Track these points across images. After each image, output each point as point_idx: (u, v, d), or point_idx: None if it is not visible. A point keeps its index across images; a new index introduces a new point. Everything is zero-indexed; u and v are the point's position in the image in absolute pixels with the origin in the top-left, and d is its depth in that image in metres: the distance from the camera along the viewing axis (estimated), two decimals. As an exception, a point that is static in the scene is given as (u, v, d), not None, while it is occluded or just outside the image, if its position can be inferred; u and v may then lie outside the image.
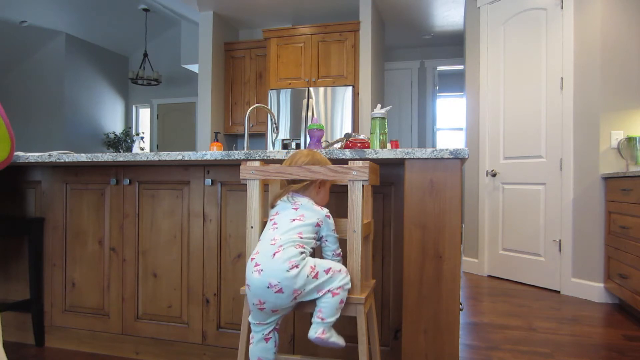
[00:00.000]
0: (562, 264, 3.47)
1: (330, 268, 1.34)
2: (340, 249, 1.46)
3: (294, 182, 1.46)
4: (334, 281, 1.33)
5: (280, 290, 1.28)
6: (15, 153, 2.06)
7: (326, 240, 1.43)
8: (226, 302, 2.04)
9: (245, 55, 5.63)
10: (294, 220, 1.38)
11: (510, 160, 3.89)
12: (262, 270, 1.30)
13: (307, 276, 1.30)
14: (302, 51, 5.08)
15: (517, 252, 3.82)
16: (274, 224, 1.40)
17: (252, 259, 1.35)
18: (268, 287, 1.28)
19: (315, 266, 1.32)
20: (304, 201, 1.44)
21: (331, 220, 1.43)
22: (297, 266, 1.29)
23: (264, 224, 1.52)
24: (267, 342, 1.37)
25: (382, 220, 1.85)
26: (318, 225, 1.40)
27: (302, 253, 1.32)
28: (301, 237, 1.35)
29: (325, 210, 1.43)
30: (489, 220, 4.04)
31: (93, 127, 7.61)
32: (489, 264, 4.04)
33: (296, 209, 1.42)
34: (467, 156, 1.55)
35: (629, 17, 3.28)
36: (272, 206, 1.49)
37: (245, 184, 1.51)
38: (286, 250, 1.31)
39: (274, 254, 1.30)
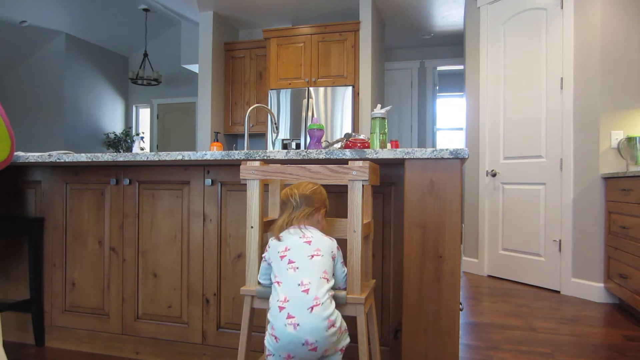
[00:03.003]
0: (562, 264, 3.47)
1: (343, 326, 1.34)
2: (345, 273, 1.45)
3: (298, 206, 1.43)
4: (344, 340, 1.35)
5: (314, 349, 1.24)
6: (15, 153, 2.06)
7: (334, 273, 1.40)
8: (226, 302, 2.04)
9: (245, 55, 5.63)
10: (312, 256, 1.34)
11: (510, 160, 3.89)
12: (298, 324, 1.23)
13: (337, 334, 1.29)
14: (302, 51, 5.08)
15: (517, 252, 3.81)
16: (291, 262, 1.33)
17: (281, 307, 1.27)
18: (303, 345, 1.23)
19: (340, 323, 1.31)
20: (314, 233, 1.40)
21: (341, 252, 1.43)
22: (334, 325, 1.27)
23: (264, 224, 1.52)
24: None
25: (382, 220, 1.85)
26: (333, 258, 1.39)
27: (335, 305, 1.31)
28: (326, 279, 1.32)
29: (334, 240, 1.43)
30: (489, 220, 4.04)
31: (93, 127, 7.61)
32: (489, 264, 4.04)
33: (309, 242, 1.37)
34: (467, 156, 1.55)
35: (629, 17, 3.28)
36: (277, 238, 1.42)
37: (245, 184, 1.51)
38: (325, 305, 1.26)
39: (312, 308, 1.25)
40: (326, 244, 1.38)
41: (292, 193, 1.45)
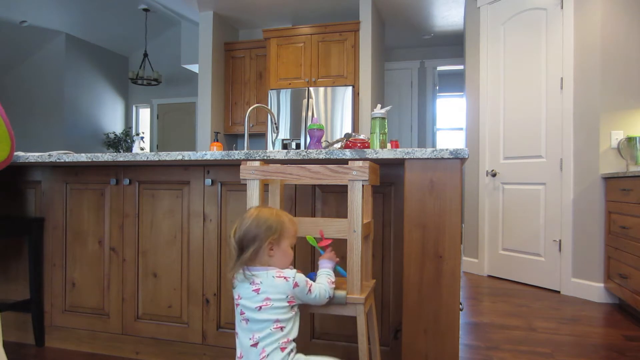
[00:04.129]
0: (562, 264, 3.47)
1: None
2: (330, 278, 1.38)
3: (242, 249, 1.30)
4: None
5: None
6: (15, 153, 2.06)
7: (309, 292, 1.32)
8: (226, 302, 2.04)
9: (245, 55, 5.62)
10: (260, 308, 1.26)
11: (510, 160, 3.89)
12: None
13: None
14: (302, 51, 5.08)
15: (517, 252, 3.81)
16: (242, 313, 1.29)
17: None
18: None
19: None
20: (262, 276, 1.28)
21: (301, 285, 1.30)
22: None
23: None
24: None
25: (382, 220, 1.85)
26: (291, 301, 1.29)
27: (290, 352, 1.26)
28: (280, 327, 1.26)
29: (290, 279, 1.28)
30: (489, 220, 4.04)
31: (93, 127, 7.61)
32: (489, 264, 4.04)
33: (257, 290, 1.27)
34: (467, 156, 1.55)
35: (629, 17, 3.28)
36: (232, 285, 1.35)
37: (245, 184, 1.51)
38: (271, 356, 1.23)
39: None
40: (278, 288, 1.27)
41: (230, 237, 1.32)
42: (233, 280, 1.33)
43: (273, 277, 1.28)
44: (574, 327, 2.67)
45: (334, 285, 1.39)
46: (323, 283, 1.36)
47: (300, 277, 1.31)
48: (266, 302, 1.26)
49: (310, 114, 4.85)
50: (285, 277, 1.28)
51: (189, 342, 2.08)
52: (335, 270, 1.46)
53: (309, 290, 1.32)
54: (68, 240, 2.29)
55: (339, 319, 1.89)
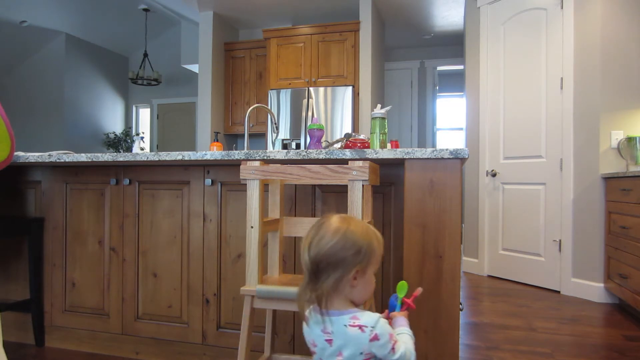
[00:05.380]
0: (562, 264, 3.47)
1: None
2: (413, 339, 1.12)
3: (316, 273, 1.03)
4: None
5: None
6: (15, 153, 2.06)
7: (392, 351, 1.03)
8: (226, 302, 2.04)
9: (245, 55, 5.62)
10: None
11: (510, 160, 3.89)
12: None
13: None
14: (302, 51, 5.08)
15: (517, 252, 3.81)
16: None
17: None
18: None
19: None
20: (335, 323, 1.03)
21: (382, 339, 1.01)
22: None
23: (264, 224, 1.52)
24: None
25: (382, 220, 1.85)
26: (369, 357, 1.02)
27: None
28: None
29: (367, 329, 1.00)
30: (489, 220, 4.04)
31: (93, 127, 7.61)
32: (489, 264, 4.04)
33: (329, 341, 1.03)
34: (467, 156, 1.55)
35: (629, 17, 3.28)
36: (305, 319, 1.10)
37: (245, 184, 1.51)
38: None
39: None
40: (351, 342, 1.01)
41: (303, 251, 1.05)
42: (305, 315, 1.08)
43: (345, 325, 1.01)
44: (574, 327, 2.67)
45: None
46: (408, 343, 1.08)
47: (383, 329, 1.02)
48: (338, 357, 1.02)
49: (310, 114, 4.85)
50: (360, 327, 1.00)
51: (189, 342, 2.08)
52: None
53: (392, 349, 1.02)
54: (68, 240, 2.29)
55: None
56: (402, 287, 1.22)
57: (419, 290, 1.22)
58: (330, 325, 1.02)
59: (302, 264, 1.05)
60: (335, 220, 1.07)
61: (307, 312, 1.08)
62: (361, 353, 1.00)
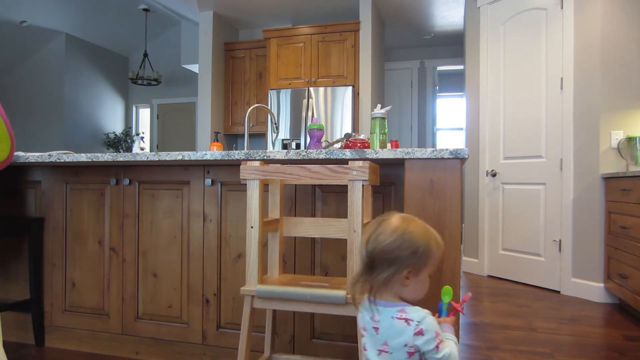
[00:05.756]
0: (562, 264, 3.47)
1: None
2: (458, 347, 1.11)
3: (371, 266, 1.06)
4: None
5: None
6: (15, 153, 2.06)
7: (437, 349, 1.03)
8: (226, 302, 2.04)
9: (245, 55, 5.62)
10: (379, 352, 1.05)
11: (510, 160, 3.89)
12: None
13: None
14: (302, 51, 5.08)
15: (517, 252, 3.81)
16: (365, 349, 1.10)
17: None
18: None
19: None
20: (385, 314, 1.06)
21: (427, 335, 1.02)
22: None
23: (264, 224, 1.52)
24: None
25: (382, 220, 1.85)
26: (411, 352, 1.03)
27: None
28: None
29: (413, 322, 1.02)
30: (489, 220, 4.04)
31: (93, 127, 7.62)
32: (489, 264, 4.04)
33: (376, 329, 1.06)
34: (467, 156, 1.55)
35: (629, 17, 3.28)
36: (357, 303, 1.13)
37: (245, 184, 1.51)
38: None
39: None
40: (396, 333, 1.03)
41: (361, 243, 1.10)
42: (357, 301, 1.11)
43: (392, 317, 1.04)
44: (574, 327, 2.67)
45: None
46: (453, 348, 1.07)
47: (430, 325, 1.03)
48: (384, 347, 1.04)
49: (310, 114, 4.85)
50: (407, 320, 1.02)
51: (189, 342, 2.08)
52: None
53: (437, 347, 1.02)
54: (68, 240, 2.29)
55: (339, 319, 1.89)
56: (447, 292, 1.21)
57: (468, 295, 1.22)
58: (378, 315, 1.06)
59: (359, 255, 1.10)
60: (396, 218, 1.09)
61: (359, 302, 1.11)
62: (405, 345, 1.02)
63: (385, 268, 1.04)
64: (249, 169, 1.48)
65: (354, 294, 1.10)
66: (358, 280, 1.08)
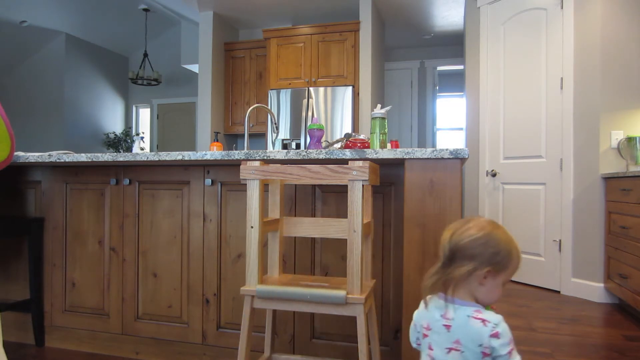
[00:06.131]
0: (562, 264, 3.47)
1: None
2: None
3: (451, 260, 1.06)
4: None
5: None
6: (15, 153, 2.06)
7: (510, 355, 1.04)
8: (226, 302, 2.04)
9: (245, 55, 5.62)
10: (449, 350, 1.05)
11: (510, 160, 3.89)
12: None
13: None
14: (302, 51, 5.08)
15: (517, 252, 3.81)
16: (430, 348, 1.10)
17: None
18: None
19: None
20: (459, 312, 1.06)
21: (502, 339, 1.02)
22: None
23: (264, 224, 1.52)
24: None
25: (382, 220, 1.85)
26: (485, 353, 1.03)
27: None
28: None
29: (490, 324, 1.03)
30: (489, 220, 4.04)
31: (93, 127, 7.62)
32: (489, 264, 4.03)
33: (447, 327, 1.06)
34: (467, 156, 1.55)
35: (629, 17, 3.28)
36: (425, 301, 1.14)
37: (245, 184, 1.51)
38: None
39: None
40: (471, 333, 1.03)
41: (443, 239, 1.10)
42: (426, 300, 1.12)
43: (468, 316, 1.05)
44: (574, 327, 2.67)
45: None
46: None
47: (505, 329, 1.03)
48: (456, 345, 1.04)
49: (310, 114, 4.85)
50: (484, 321, 1.03)
51: (189, 342, 2.08)
52: None
53: (509, 353, 1.03)
54: (68, 240, 2.29)
55: (339, 319, 1.89)
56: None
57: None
58: (453, 312, 1.06)
59: (439, 249, 1.10)
60: (485, 220, 1.11)
61: (427, 297, 1.12)
62: (480, 345, 1.02)
63: (466, 262, 1.04)
64: (249, 169, 1.48)
65: (425, 290, 1.11)
66: (433, 276, 1.08)
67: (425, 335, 1.11)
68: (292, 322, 1.94)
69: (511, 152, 3.88)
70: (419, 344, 1.17)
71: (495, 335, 1.02)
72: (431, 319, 1.10)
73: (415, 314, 1.17)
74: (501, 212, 3.94)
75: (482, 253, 1.04)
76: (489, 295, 1.08)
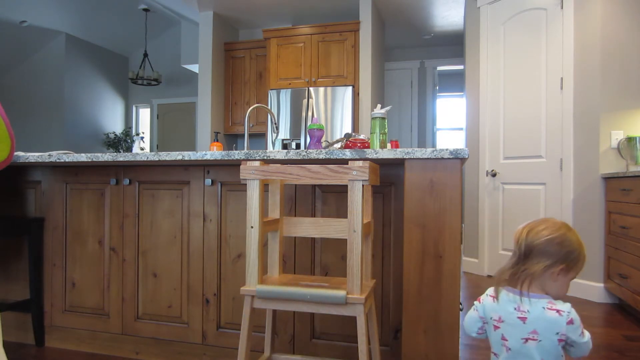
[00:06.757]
0: (562, 264, 3.47)
1: None
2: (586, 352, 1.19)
3: (527, 256, 1.15)
4: None
5: None
6: (15, 153, 2.06)
7: (571, 346, 1.16)
8: (226, 302, 2.04)
9: (245, 55, 5.63)
10: (526, 340, 1.14)
11: (510, 160, 3.89)
12: None
13: None
14: (302, 51, 5.08)
15: (517, 252, 3.81)
16: (504, 339, 1.17)
17: None
18: None
19: None
20: (534, 304, 1.15)
21: (576, 323, 1.13)
22: None
23: (264, 224, 1.52)
24: None
25: (382, 220, 1.85)
26: (561, 339, 1.13)
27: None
28: None
29: (564, 313, 1.13)
30: (489, 220, 4.04)
31: (93, 127, 7.62)
32: (489, 264, 4.04)
33: (523, 319, 1.14)
34: (467, 156, 1.55)
35: (629, 17, 3.28)
36: (494, 296, 1.21)
37: (245, 184, 1.51)
38: None
39: None
40: (548, 323, 1.12)
41: (520, 237, 1.18)
42: (489, 295, 1.21)
43: (543, 308, 1.14)
44: (574, 327, 2.67)
45: None
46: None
47: (576, 315, 1.14)
48: (533, 335, 1.13)
49: (310, 114, 4.85)
50: (558, 311, 1.12)
51: (189, 342, 2.08)
52: None
53: (582, 333, 1.15)
54: (68, 240, 2.29)
55: (339, 319, 1.89)
56: None
57: None
58: (528, 305, 1.14)
59: (514, 247, 1.18)
60: (558, 221, 1.21)
61: (497, 292, 1.20)
62: (557, 333, 1.12)
63: (542, 259, 1.14)
64: (249, 169, 1.48)
65: (498, 284, 1.19)
66: (508, 271, 1.17)
67: (496, 327, 1.19)
68: (292, 322, 1.94)
69: (511, 152, 3.88)
70: (480, 334, 1.26)
71: (571, 322, 1.12)
72: (504, 311, 1.17)
73: (482, 306, 1.23)
74: (501, 212, 3.94)
75: (557, 252, 1.14)
76: (560, 290, 1.17)
